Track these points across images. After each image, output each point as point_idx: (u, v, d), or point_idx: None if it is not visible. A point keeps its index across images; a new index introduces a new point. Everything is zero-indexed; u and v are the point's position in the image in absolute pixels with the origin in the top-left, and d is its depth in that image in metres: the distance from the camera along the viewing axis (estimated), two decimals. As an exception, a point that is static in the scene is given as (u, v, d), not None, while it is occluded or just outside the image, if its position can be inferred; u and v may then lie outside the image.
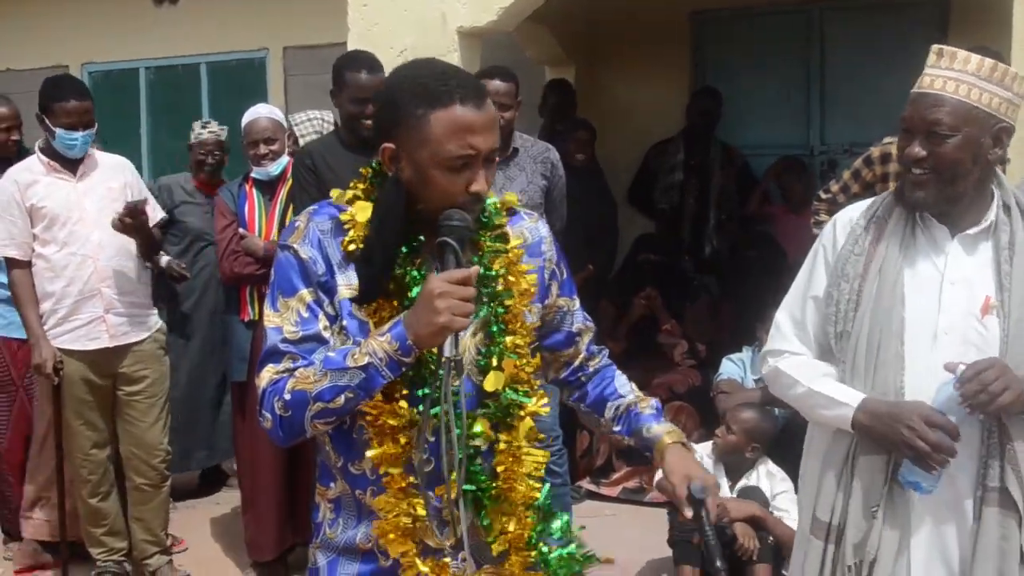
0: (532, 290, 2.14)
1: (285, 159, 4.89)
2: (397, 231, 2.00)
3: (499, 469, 2.08)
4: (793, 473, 4.37)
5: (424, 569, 2.06)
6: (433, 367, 1.99)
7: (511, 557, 2.13)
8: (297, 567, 4.97)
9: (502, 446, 2.08)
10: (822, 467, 2.62)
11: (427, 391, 1.99)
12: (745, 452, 4.69)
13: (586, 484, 5.91)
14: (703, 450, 4.77)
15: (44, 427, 4.93)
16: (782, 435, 5.08)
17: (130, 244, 4.69)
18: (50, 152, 4.63)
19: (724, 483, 4.67)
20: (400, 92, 2.00)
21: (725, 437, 4.68)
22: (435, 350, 1.95)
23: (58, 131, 4.51)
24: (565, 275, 2.28)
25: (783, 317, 2.75)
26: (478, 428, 2.06)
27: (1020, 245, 2.50)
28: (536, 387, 2.15)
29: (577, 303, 2.33)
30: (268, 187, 4.90)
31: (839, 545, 2.54)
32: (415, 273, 2.02)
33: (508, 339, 2.08)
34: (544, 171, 4.66)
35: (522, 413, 2.10)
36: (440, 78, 1.98)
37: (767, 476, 4.69)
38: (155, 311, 4.90)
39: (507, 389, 2.07)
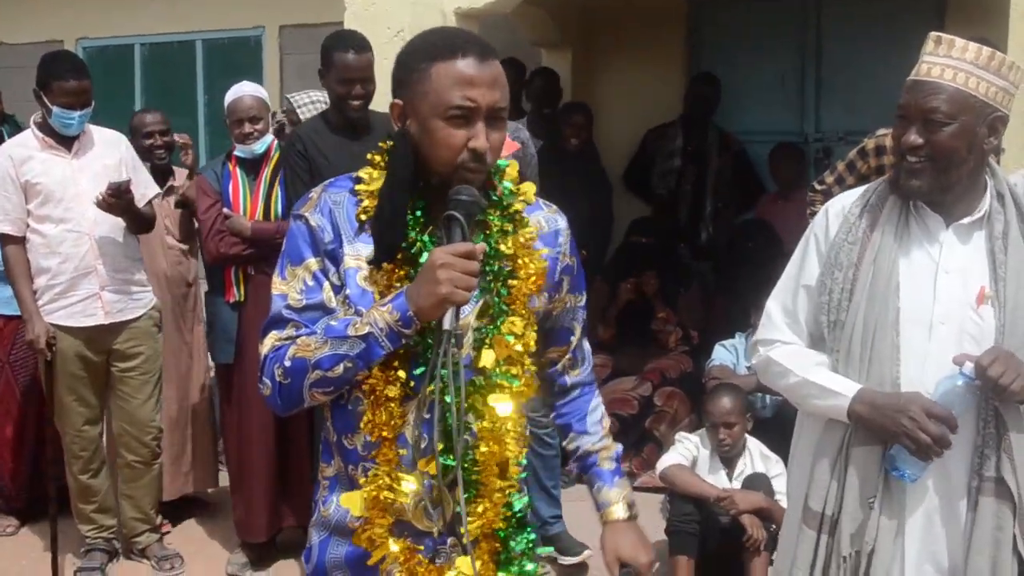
0: (540, 277, 2.12)
1: (269, 137, 4.84)
2: (406, 182, 2.01)
3: (481, 449, 2.05)
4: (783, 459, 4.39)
5: (394, 549, 2.05)
6: (433, 341, 1.97)
7: (481, 544, 2.10)
8: (285, 548, 4.98)
9: (487, 424, 2.05)
10: (814, 457, 2.61)
11: (425, 368, 1.98)
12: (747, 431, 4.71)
13: (575, 468, 5.86)
14: (697, 440, 4.77)
15: None
16: (773, 423, 5.09)
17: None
18: (45, 128, 4.61)
19: (722, 473, 4.66)
20: (410, 52, 2.04)
21: (732, 432, 4.62)
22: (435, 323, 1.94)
23: (55, 109, 4.49)
24: (577, 271, 2.27)
25: (774, 306, 2.74)
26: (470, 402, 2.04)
27: (1014, 234, 2.50)
28: (526, 369, 2.13)
29: (582, 301, 2.31)
30: (252, 166, 4.82)
31: (833, 535, 2.54)
32: (425, 239, 2.02)
33: (507, 320, 2.07)
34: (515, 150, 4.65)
35: (506, 396, 2.07)
36: (447, 36, 2.03)
37: (762, 459, 4.68)
38: (149, 288, 4.89)
39: (496, 370, 2.06)
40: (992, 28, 4.72)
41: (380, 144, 2.12)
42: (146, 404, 4.83)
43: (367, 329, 1.93)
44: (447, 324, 1.90)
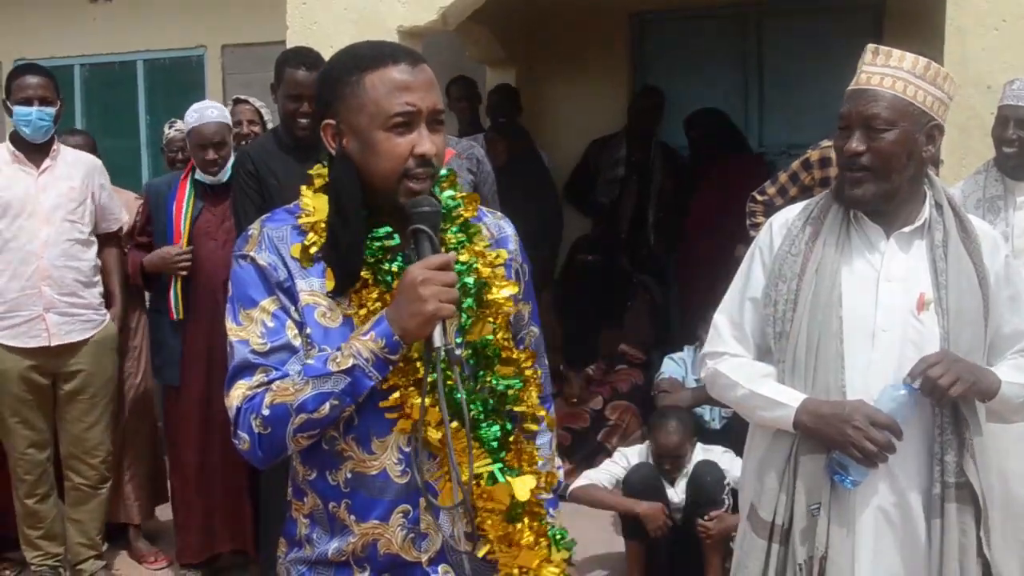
0: (507, 282, 2.06)
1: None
2: (355, 204, 1.93)
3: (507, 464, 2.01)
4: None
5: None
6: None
7: (526, 552, 2.03)
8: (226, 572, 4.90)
9: (511, 440, 2.02)
10: (763, 467, 2.62)
11: (425, 380, 1.89)
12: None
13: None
14: (642, 451, 4.80)
15: None
16: (721, 435, 5.12)
17: (78, 245, 4.64)
18: (19, 142, 4.59)
19: (662, 480, 4.67)
20: (335, 66, 1.99)
21: (678, 462, 4.64)
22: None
23: (15, 108, 4.50)
24: (527, 278, 2.21)
25: (721, 319, 2.76)
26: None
27: (953, 242, 2.55)
28: (532, 377, 2.10)
29: (531, 308, 2.24)
30: (212, 191, 4.72)
31: (786, 544, 2.55)
32: (394, 267, 1.94)
33: (500, 334, 2.02)
34: (470, 166, 4.68)
35: (525, 408, 2.05)
36: (372, 46, 1.98)
37: (704, 453, 4.71)
38: (104, 311, 4.81)
39: (499, 380, 2.01)
40: (928, 43, 4.80)
41: (313, 171, 2.05)
42: (94, 428, 4.76)
43: (351, 362, 1.84)
44: (437, 341, 1.83)
